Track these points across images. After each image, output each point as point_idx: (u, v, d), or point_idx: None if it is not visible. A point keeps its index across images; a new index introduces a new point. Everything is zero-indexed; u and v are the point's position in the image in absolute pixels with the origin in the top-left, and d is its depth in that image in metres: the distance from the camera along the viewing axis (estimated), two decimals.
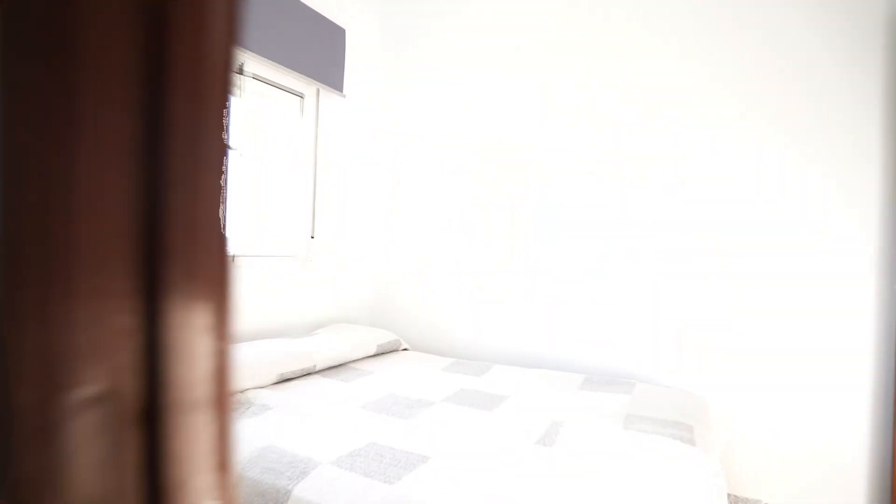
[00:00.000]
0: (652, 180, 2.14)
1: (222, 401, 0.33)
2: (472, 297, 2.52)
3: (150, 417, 0.29)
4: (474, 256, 2.51)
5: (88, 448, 0.26)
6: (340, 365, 1.99)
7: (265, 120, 2.21)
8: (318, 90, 2.44)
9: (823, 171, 1.85)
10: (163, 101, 0.30)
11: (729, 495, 1.84)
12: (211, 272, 0.32)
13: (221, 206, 0.33)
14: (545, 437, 1.33)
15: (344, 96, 2.49)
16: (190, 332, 0.31)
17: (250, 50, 1.90)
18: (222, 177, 0.33)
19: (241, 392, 1.53)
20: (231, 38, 0.33)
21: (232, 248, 1.65)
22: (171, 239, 0.30)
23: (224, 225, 0.33)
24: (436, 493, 0.99)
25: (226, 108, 0.33)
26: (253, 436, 1.25)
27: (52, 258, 0.26)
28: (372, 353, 2.19)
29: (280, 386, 1.67)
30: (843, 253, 1.81)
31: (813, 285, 1.85)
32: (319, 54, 2.29)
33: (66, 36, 0.27)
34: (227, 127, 0.33)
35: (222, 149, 0.34)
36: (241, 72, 1.98)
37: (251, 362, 1.63)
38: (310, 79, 2.25)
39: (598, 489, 1.03)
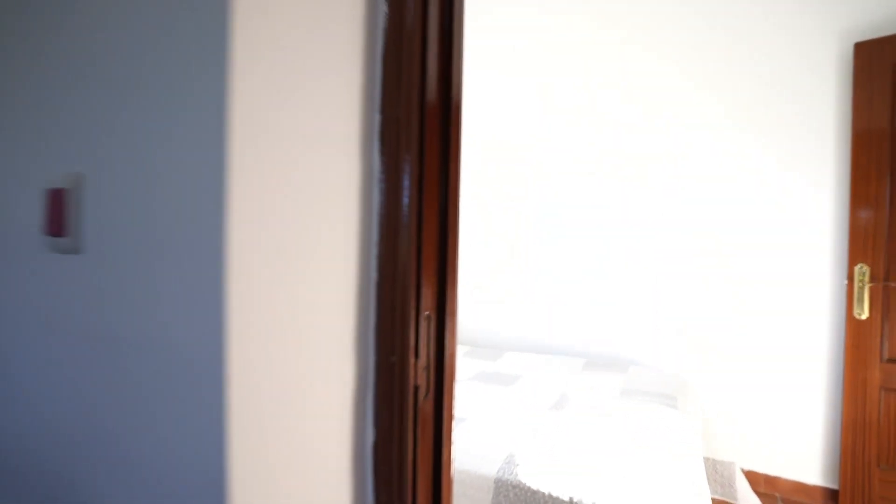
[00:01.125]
0: (646, 181, 2.46)
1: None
2: (472, 296, 2.78)
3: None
4: (474, 256, 2.78)
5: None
6: None
7: None
8: None
9: (793, 174, 2.17)
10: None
11: (707, 459, 2.16)
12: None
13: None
14: (557, 403, 1.65)
15: None
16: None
17: None
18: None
19: None
20: None
21: None
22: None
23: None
24: (475, 442, 1.30)
25: None
26: None
27: (407, 288, 0.55)
28: None
29: None
30: (806, 256, 2.13)
31: (779, 284, 2.17)
32: None
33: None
34: None
35: None
36: None
37: None
38: None
39: (603, 435, 1.35)
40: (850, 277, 1.96)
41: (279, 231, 0.42)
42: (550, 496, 1.10)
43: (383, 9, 0.54)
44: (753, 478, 2.20)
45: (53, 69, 0.52)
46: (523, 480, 1.15)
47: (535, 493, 1.12)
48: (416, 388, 0.49)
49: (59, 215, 0.48)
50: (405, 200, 0.50)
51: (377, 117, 0.54)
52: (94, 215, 0.47)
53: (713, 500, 2.12)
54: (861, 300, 1.93)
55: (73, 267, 0.49)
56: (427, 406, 0.51)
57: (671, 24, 2.39)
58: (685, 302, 2.37)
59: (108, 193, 0.47)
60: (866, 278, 1.93)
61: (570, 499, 1.08)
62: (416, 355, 0.48)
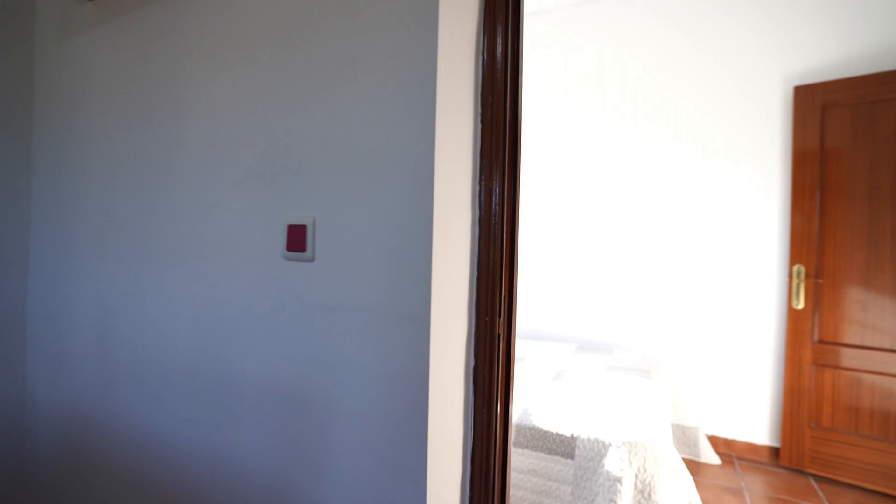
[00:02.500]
0: (628, 196, 2.89)
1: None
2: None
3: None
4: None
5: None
6: None
7: None
8: None
9: (748, 189, 2.62)
10: None
11: (676, 425, 2.60)
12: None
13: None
14: (556, 375, 2.06)
15: None
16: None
17: None
18: None
19: None
20: None
21: None
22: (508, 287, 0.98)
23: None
24: None
25: None
26: None
27: (496, 277, 0.93)
28: None
29: None
30: (757, 257, 2.59)
31: (736, 280, 2.62)
32: None
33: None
34: None
35: None
36: None
37: None
38: None
39: (592, 396, 1.76)
40: (790, 275, 2.42)
41: (445, 243, 0.80)
42: (556, 434, 1.51)
43: (479, 98, 0.92)
44: (714, 441, 2.65)
45: (298, 153, 0.90)
46: (537, 424, 1.55)
47: (545, 432, 1.53)
48: (499, 336, 0.87)
49: (300, 240, 0.86)
50: (496, 211, 0.88)
51: (478, 145, 0.90)
52: (322, 240, 0.86)
53: (683, 458, 2.56)
54: (798, 294, 2.38)
55: (308, 268, 0.87)
56: (503, 346, 0.89)
57: (653, 69, 2.83)
58: (659, 296, 2.81)
59: (330, 228, 0.85)
60: (802, 276, 2.39)
61: (571, 434, 1.49)
62: (500, 316, 0.87)
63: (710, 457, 2.50)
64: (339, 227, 0.84)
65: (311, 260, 0.86)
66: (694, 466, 2.46)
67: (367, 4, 0.82)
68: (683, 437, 2.55)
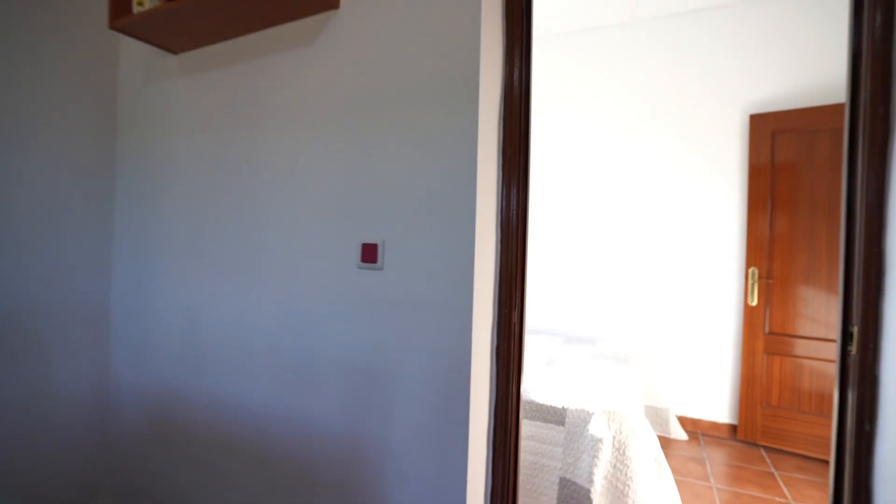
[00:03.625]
0: (611, 206, 3.27)
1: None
2: None
3: None
4: None
5: None
6: None
7: None
8: None
9: (714, 200, 3.02)
10: None
11: (649, 406, 2.99)
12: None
13: None
14: (548, 363, 2.42)
15: None
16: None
17: None
18: None
19: None
20: None
21: None
22: None
23: None
24: None
25: None
26: None
27: (514, 275, 1.27)
28: None
29: None
30: (721, 260, 2.99)
31: (702, 280, 3.02)
32: None
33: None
34: None
35: None
36: None
37: None
38: None
39: (578, 380, 2.12)
40: (746, 276, 2.82)
41: (481, 257, 1.13)
42: (550, 406, 1.86)
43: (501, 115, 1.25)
44: (682, 420, 3.05)
45: (369, 191, 1.23)
46: (534, 399, 1.90)
47: (541, 405, 1.88)
48: (514, 324, 1.21)
49: (373, 254, 1.19)
50: (513, 217, 1.22)
51: (499, 159, 1.23)
52: (390, 254, 1.19)
53: (658, 436, 2.95)
54: (752, 292, 2.79)
55: (378, 275, 1.20)
56: (516, 331, 1.23)
57: (635, 95, 3.22)
58: (636, 295, 3.20)
59: (398, 246, 1.18)
60: (756, 277, 2.80)
61: (562, 406, 1.85)
62: (513, 309, 1.21)
63: (679, 433, 2.89)
64: (403, 245, 1.17)
65: (381, 269, 1.20)
66: (665, 442, 2.85)
67: (424, 88, 1.16)
68: (656, 416, 2.94)
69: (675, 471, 2.46)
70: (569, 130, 3.42)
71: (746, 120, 2.91)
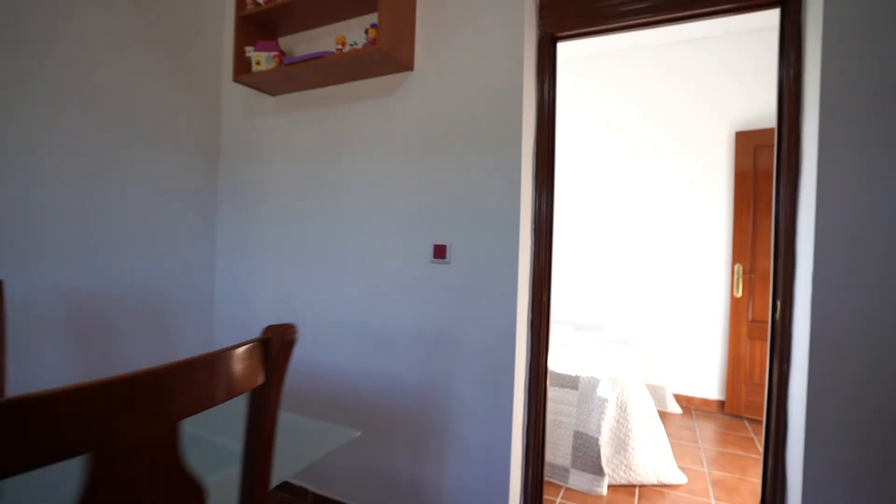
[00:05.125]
0: (618, 210, 3.70)
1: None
2: None
3: None
4: None
5: None
6: None
7: None
8: None
9: (707, 202, 3.45)
10: None
11: (648, 385, 3.43)
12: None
13: None
14: (562, 345, 2.87)
15: None
16: None
17: None
18: None
19: None
20: None
21: None
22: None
23: None
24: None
25: None
26: None
27: (544, 267, 1.71)
28: None
29: None
30: (711, 256, 3.42)
31: (696, 274, 3.45)
32: None
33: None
34: None
35: None
36: None
37: None
38: None
39: (589, 356, 2.57)
40: (732, 272, 3.25)
41: (523, 254, 1.57)
42: (566, 374, 2.31)
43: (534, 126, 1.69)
44: (677, 397, 3.49)
45: (438, 206, 1.68)
46: (553, 369, 2.35)
47: (558, 374, 2.32)
48: (544, 303, 1.64)
49: (443, 252, 1.63)
50: (543, 220, 1.65)
51: (534, 172, 1.67)
52: (455, 252, 1.63)
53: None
54: (738, 286, 3.22)
55: (447, 268, 1.64)
56: (545, 311, 1.67)
57: (638, 112, 3.65)
58: (637, 288, 3.64)
59: (461, 246, 1.63)
60: (740, 272, 3.23)
61: (575, 374, 2.29)
62: (543, 292, 1.64)
63: (675, 408, 3.33)
64: (467, 246, 1.62)
65: (449, 263, 1.64)
66: (661, 415, 3.29)
67: (478, 130, 1.60)
68: (654, 393, 3.38)
69: (669, 436, 2.90)
70: (579, 141, 3.85)
71: (732, 136, 3.34)
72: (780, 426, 1.31)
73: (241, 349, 0.55)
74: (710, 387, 3.41)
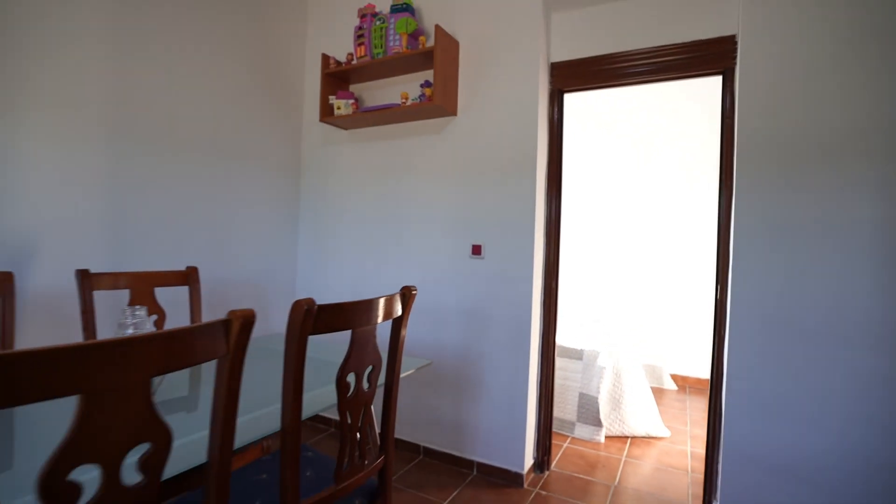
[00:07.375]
0: (608, 223, 4.23)
1: None
2: None
3: None
4: None
5: None
6: None
7: None
8: None
9: (702, 209, 3.95)
10: None
11: (647, 365, 3.95)
12: None
13: None
14: (572, 326, 3.43)
15: None
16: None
17: None
18: None
19: None
20: None
21: None
22: None
23: None
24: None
25: None
26: None
27: (553, 262, 2.29)
28: None
29: None
30: (705, 252, 3.92)
31: (692, 268, 3.96)
32: None
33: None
34: None
35: None
36: None
37: None
38: None
39: (591, 336, 3.14)
40: None
41: (538, 249, 2.14)
42: (572, 347, 2.88)
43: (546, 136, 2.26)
44: (674, 377, 4.01)
45: (474, 217, 2.28)
46: (561, 344, 2.92)
47: (566, 347, 2.90)
48: (553, 288, 2.21)
49: (479, 250, 2.23)
50: (553, 221, 2.22)
51: (545, 183, 2.24)
52: (489, 250, 2.23)
53: (651, 388, 3.92)
54: None
55: (482, 261, 2.24)
56: (554, 293, 2.23)
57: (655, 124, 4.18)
58: (641, 283, 4.16)
59: (492, 245, 2.22)
60: None
61: (580, 348, 2.86)
62: (552, 278, 2.21)
63: (671, 385, 3.85)
64: (496, 245, 2.21)
65: (483, 258, 2.23)
66: (659, 392, 3.82)
67: (507, 159, 2.18)
68: (653, 373, 3.91)
69: (662, 406, 3.44)
70: (586, 148, 4.39)
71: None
72: (719, 368, 1.87)
73: (203, 326, 0.67)
74: (703, 367, 3.92)
